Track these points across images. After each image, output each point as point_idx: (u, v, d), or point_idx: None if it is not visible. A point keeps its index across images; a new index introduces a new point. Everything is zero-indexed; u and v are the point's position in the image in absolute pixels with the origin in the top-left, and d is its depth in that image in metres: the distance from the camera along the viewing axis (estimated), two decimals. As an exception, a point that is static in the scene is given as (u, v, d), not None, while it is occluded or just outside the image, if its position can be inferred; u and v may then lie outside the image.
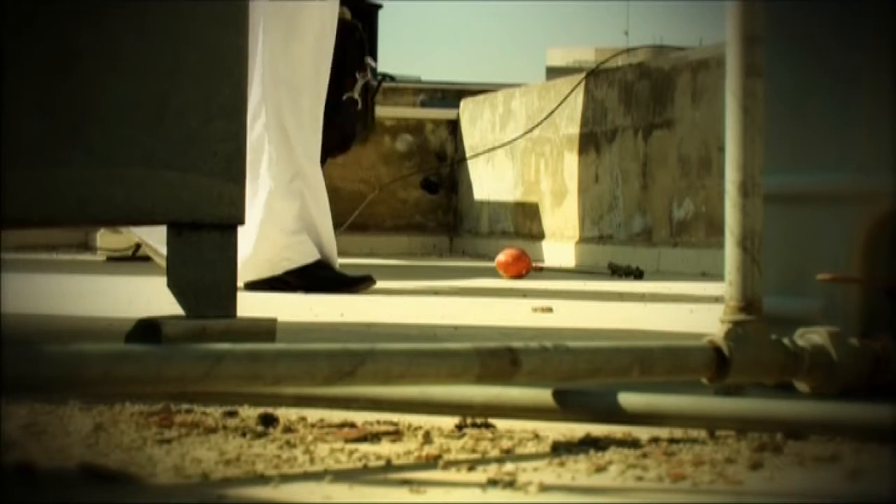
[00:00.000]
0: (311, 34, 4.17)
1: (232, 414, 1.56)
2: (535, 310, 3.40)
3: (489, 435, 1.46)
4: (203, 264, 2.06)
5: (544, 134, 7.04)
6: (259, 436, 1.43)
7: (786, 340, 1.62)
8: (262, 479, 1.22)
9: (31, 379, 1.17)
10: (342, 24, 4.44)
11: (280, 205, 4.09)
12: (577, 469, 1.29)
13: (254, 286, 4.10)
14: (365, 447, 1.39)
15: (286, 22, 4.12)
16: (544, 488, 1.18)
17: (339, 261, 4.30)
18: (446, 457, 1.34)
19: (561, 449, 1.39)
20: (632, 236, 6.20)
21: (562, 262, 6.48)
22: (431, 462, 1.32)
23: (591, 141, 6.60)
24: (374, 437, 1.44)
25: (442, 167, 8.22)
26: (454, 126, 8.26)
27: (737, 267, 1.58)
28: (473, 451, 1.37)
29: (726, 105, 1.60)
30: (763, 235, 1.60)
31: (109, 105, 2.00)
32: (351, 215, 7.03)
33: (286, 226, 4.10)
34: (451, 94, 8.97)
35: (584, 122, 6.66)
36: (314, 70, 4.20)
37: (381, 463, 1.31)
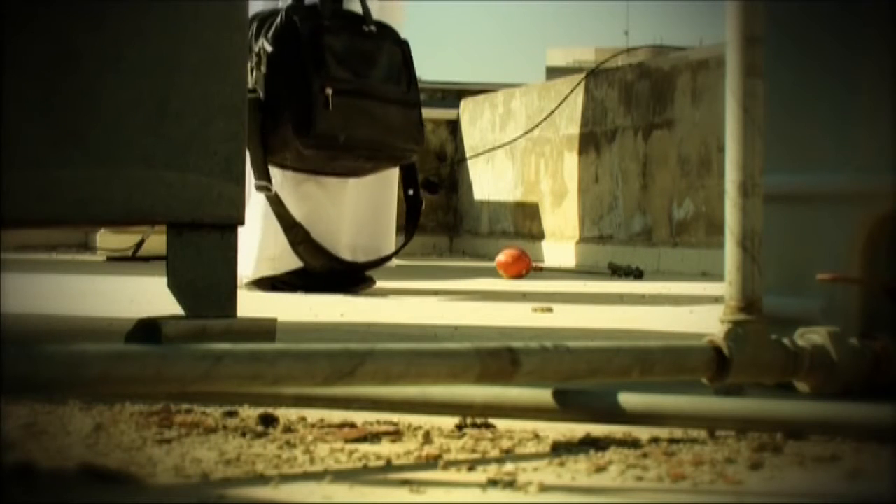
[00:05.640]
0: None
1: (232, 414, 1.56)
2: (535, 310, 3.40)
3: (489, 435, 1.46)
4: (203, 264, 2.06)
5: (544, 134, 7.04)
6: (259, 436, 1.43)
7: (786, 340, 1.62)
8: (262, 479, 1.22)
9: (31, 379, 1.17)
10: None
11: (287, 202, 4.07)
12: (577, 469, 1.28)
13: (254, 286, 4.10)
14: (365, 447, 1.39)
15: None
16: (544, 488, 1.18)
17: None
18: (446, 457, 1.34)
19: (561, 449, 1.39)
20: (632, 236, 6.19)
21: (562, 262, 6.47)
22: (431, 462, 1.32)
23: (591, 141, 6.60)
24: (374, 437, 1.44)
25: (442, 167, 8.22)
26: (454, 126, 8.25)
27: (737, 267, 1.58)
28: (473, 451, 1.37)
29: (726, 105, 1.60)
30: (763, 235, 1.60)
31: (109, 105, 2.00)
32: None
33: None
34: (451, 94, 8.97)
35: (584, 122, 6.66)
36: None
37: (381, 463, 1.31)
